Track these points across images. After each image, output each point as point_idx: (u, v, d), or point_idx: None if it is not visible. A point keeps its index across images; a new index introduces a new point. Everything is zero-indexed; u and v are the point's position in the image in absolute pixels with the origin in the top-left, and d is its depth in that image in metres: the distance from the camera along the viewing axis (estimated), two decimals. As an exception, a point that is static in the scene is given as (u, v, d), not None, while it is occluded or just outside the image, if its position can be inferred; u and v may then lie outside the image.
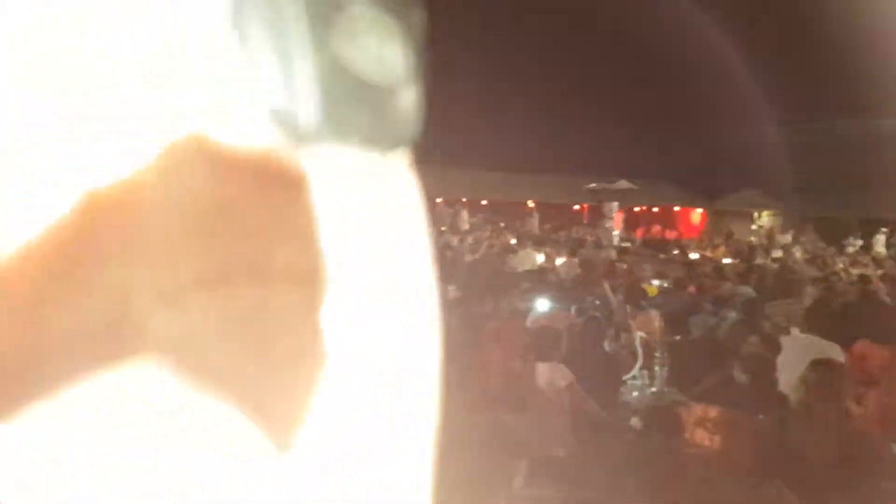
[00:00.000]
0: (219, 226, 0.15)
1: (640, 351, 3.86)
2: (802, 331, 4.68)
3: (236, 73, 0.15)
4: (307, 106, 0.15)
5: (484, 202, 23.46)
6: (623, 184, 13.38)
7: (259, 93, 0.15)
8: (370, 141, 0.16)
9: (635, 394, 3.57)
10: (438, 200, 22.61)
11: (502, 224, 17.61)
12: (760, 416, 2.95)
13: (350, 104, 0.16)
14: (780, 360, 4.01)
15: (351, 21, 0.15)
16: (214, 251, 0.15)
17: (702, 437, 2.93)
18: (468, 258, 10.45)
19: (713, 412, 3.01)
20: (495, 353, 4.17)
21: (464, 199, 22.15)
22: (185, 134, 0.15)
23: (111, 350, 0.15)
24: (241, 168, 0.15)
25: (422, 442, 0.17)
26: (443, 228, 15.89)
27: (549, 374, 3.15)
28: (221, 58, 0.15)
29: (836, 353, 3.98)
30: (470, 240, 12.88)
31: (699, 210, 25.98)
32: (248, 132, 0.16)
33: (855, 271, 10.29)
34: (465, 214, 17.71)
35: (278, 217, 0.16)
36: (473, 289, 7.54)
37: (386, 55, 0.16)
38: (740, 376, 3.48)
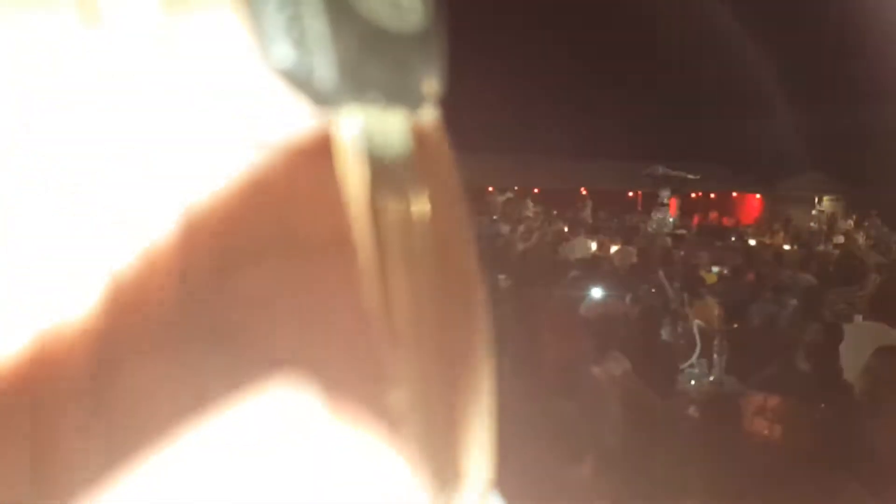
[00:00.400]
0: (262, 199, 0.16)
1: (697, 339, 3.85)
2: (866, 318, 4.55)
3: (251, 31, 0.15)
4: (322, 63, 0.14)
5: (536, 190, 23.33)
6: (678, 171, 13.07)
7: (272, 55, 0.14)
8: (394, 97, 0.15)
9: (693, 382, 3.57)
10: (490, 189, 22.65)
11: (555, 212, 17.47)
12: (822, 406, 2.92)
13: (369, 58, 0.15)
14: (844, 347, 3.94)
15: None
16: (263, 222, 0.16)
17: (762, 426, 2.93)
18: (520, 246, 10.49)
19: (773, 401, 3.00)
20: (550, 341, 4.23)
21: (516, 188, 22.12)
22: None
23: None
24: (277, 142, 0.16)
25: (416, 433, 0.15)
26: (494, 217, 15.93)
27: (604, 363, 3.18)
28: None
29: (901, 340, 3.89)
30: (522, 228, 12.89)
31: (757, 196, 25.14)
32: (273, 101, 0.16)
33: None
34: (529, 203, 17.57)
35: (318, 186, 0.16)
36: (526, 278, 7.60)
37: (402, 3, 0.15)
38: (802, 365, 3.44)
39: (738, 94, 28.66)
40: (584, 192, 23.22)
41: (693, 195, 24.31)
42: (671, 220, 13.28)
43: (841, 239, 13.14)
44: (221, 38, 0.16)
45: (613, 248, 10.14)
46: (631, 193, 25.40)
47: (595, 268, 7.42)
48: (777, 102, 26.41)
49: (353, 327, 0.16)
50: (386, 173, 0.15)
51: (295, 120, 0.16)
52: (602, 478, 3.01)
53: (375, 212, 0.14)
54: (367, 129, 0.15)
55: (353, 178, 0.14)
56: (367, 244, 0.14)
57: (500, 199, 18.98)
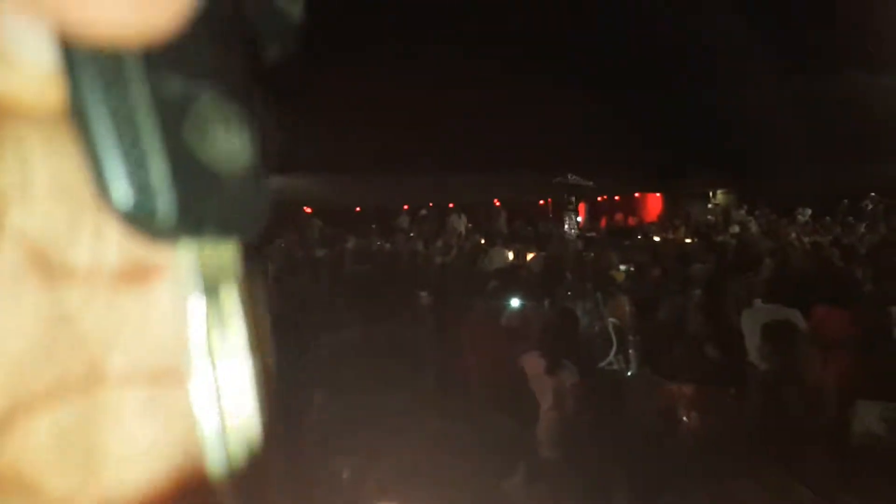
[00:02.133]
0: (55, 335, 0.15)
1: (613, 337, 3.98)
2: (764, 301, 4.83)
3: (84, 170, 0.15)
4: (163, 204, 0.14)
5: (451, 205, 23.67)
6: (580, 178, 13.65)
7: (113, 195, 0.14)
8: (226, 232, 0.16)
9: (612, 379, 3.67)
10: (405, 207, 22.74)
11: (470, 225, 17.72)
12: (732, 390, 3.09)
13: (205, 198, 0.15)
14: (745, 331, 4.18)
15: (199, 113, 0.15)
16: (51, 362, 0.15)
17: (679, 414, 3.06)
18: (438, 261, 10.56)
19: (687, 390, 3.13)
20: (475, 355, 4.25)
21: (430, 204, 22.32)
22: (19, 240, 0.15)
23: None
24: (81, 274, 0.15)
25: None
26: (412, 234, 15.97)
27: (557, 373, 3.12)
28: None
29: (796, 318, 4.17)
30: (440, 243, 12.98)
31: (657, 194, 26.67)
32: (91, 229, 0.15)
33: (807, 239, 10.74)
34: (458, 217, 17.70)
35: (119, 318, 0.15)
36: (446, 292, 7.63)
37: (233, 145, 0.16)
38: (712, 352, 3.62)
39: (632, 102, 30.51)
40: (497, 204, 23.83)
41: (599, 199, 25.49)
42: (578, 224, 13.81)
43: (736, 229, 14.11)
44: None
45: (530, 256, 10.42)
46: (542, 202, 26.26)
47: (513, 276, 7.57)
48: (669, 108, 28.21)
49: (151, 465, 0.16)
50: (216, 302, 0.16)
51: (121, 251, 0.16)
52: (540, 484, 3.03)
53: (206, 340, 0.15)
54: (200, 261, 0.15)
55: (183, 308, 0.15)
56: (194, 370, 0.15)
57: (418, 215, 19.12)
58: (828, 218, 15.58)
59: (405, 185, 24.91)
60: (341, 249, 13.16)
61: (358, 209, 24.25)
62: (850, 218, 15.49)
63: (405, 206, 22.75)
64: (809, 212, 17.62)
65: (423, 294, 7.77)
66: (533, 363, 3.18)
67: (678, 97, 27.66)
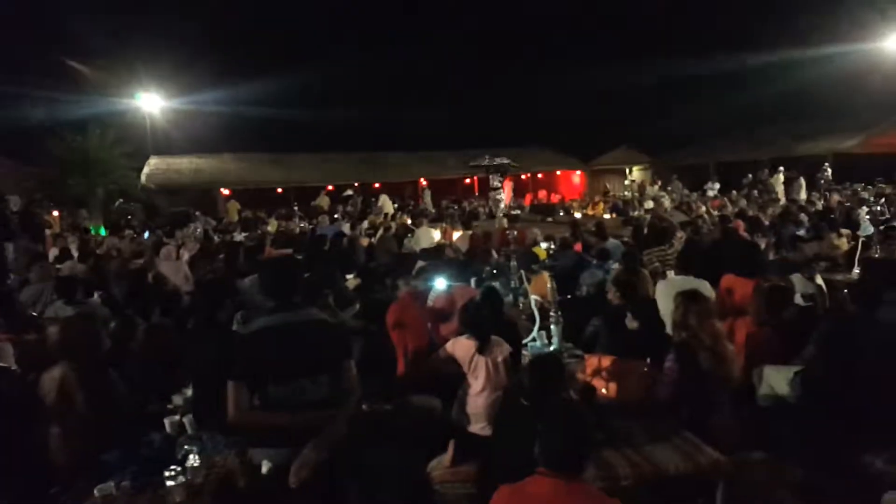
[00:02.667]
0: None
1: (536, 314, 4.04)
2: (677, 273, 5.02)
3: None
4: None
5: (377, 185, 23.32)
6: (504, 157, 13.81)
7: None
8: None
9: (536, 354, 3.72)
10: (329, 188, 22.25)
11: (396, 205, 17.57)
12: (648, 360, 3.19)
13: None
14: (659, 302, 4.35)
15: None
16: None
17: (599, 384, 3.14)
18: (364, 242, 10.40)
19: (606, 361, 3.22)
20: (402, 337, 4.21)
21: (356, 184, 21.93)
22: None
23: None
24: None
25: None
26: (336, 216, 15.65)
27: (489, 350, 3.10)
28: None
29: (705, 289, 4.37)
30: (365, 224, 12.80)
31: (578, 172, 27.45)
32: None
33: (716, 213, 11.35)
34: (384, 198, 17.39)
35: None
36: (373, 275, 7.53)
37: None
38: (630, 323, 3.72)
39: (552, 81, 31.27)
40: (423, 183, 23.74)
41: (524, 177, 25.93)
42: (503, 200, 13.95)
43: (650, 204, 14.69)
44: None
45: (456, 235, 10.46)
46: (468, 180, 26.42)
47: (439, 255, 7.56)
48: (587, 85, 29.00)
49: None
50: None
51: None
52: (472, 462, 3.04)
53: None
54: None
55: None
56: None
57: (343, 195, 18.68)
58: (734, 192, 16.48)
59: (329, 164, 24.36)
60: (262, 233, 12.76)
61: (280, 190, 23.55)
62: (755, 191, 16.43)
63: (330, 187, 22.29)
64: (718, 186, 18.63)
65: (350, 277, 7.65)
66: (463, 345, 3.17)
67: (594, 76, 28.56)
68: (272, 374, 2.33)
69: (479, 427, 3.06)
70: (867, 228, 7.87)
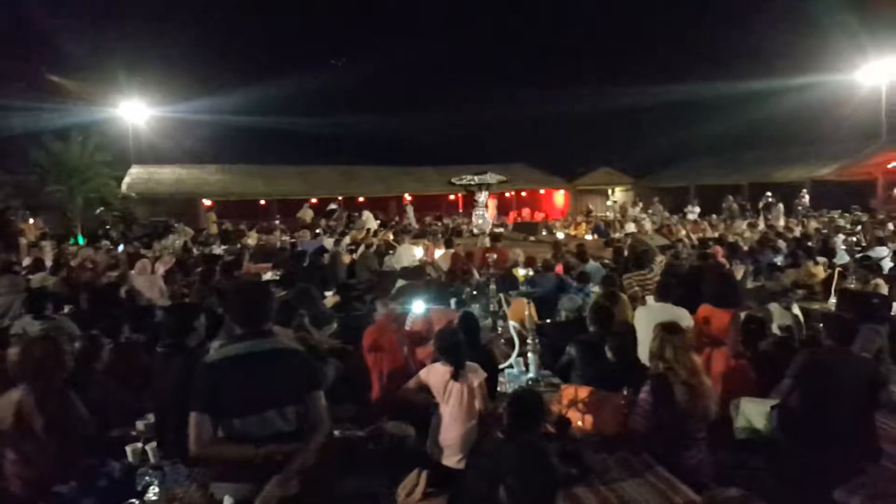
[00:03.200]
0: None
1: (516, 340, 3.99)
2: (656, 299, 5.00)
3: None
4: None
5: (361, 199, 23.22)
6: (489, 175, 13.76)
7: None
8: None
9: (512, 383, 3.67)
10: (313, 200, 22.11)
11: (378, 220, 17.46)
12: (625, 391, 3.15)
13: None
14: (638, 330, 4.32)
15: None
16: None
17: (575, 417, 3.09)
18: (346, 259, 10.28)
19: (583, 392, 3.17)
20: (381, 359, 4.14)
21: (339, 198, 21.81)
22: None
23: None
24: None
25: None
26: (318, 231, 15.53)
27: (464, 375, 3.05)
28: None
29: (684, 317, 4.36)
30: (347, 240, 12.65)
31: (561, 191, 27.65)
32: None
33: (695, 236, 11.46)
34: (366, 213, 17.22)
35: None
36: (353, 292, 7.44)
37: None
38: (607, 353, 3.68)
39: (542, 102, 31.77)
40: (407, 199, 23.68)
41: (508, 195, 26.03)
42: (489, 218, 13.94)
43: (632, 226, 14.79)
44: None
45: (438, 253, 10.39)
46: (452, 197, 26.46)
47: (420, 275, 7.49)
48: (571, 108, 29.47)
49: None
50: None
51: None
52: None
53: None
54: None
55: None
56: None
57: (326, 209, 18.54)
58: (714, 215, 16.66)
59: (313, 176, 24.24)
60: (241, 246, 12.59)
61: (263, 202, 23.35)
62: (733, 214, 16.63)
63: (313, 200, 22.13)
64: (698, 210, 18.83)
65: (330, 294, 7.54)
66: (437, 371, 3.11)
67: (580, 97, 29.00)
68: (237, 406, 2.24)
69: (453, 460, 2.99)
70: (843, 257, 7.97)
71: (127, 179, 19.98)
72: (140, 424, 3.05)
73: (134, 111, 23.10)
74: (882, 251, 7.85)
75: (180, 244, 12.74)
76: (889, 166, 17.35)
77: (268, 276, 8.61)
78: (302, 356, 2.41)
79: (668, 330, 3.21)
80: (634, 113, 31.06)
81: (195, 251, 11.68)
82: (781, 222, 15.09)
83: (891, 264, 7.17)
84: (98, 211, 17.61)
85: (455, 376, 3.06)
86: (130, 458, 2.75)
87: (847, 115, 21.52)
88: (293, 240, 13.63)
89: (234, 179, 23.14)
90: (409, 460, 3.27)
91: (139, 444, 2.82)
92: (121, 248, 12.21)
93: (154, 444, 2.78)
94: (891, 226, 12.06)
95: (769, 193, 17.53)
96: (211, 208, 20.67)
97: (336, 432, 3.48)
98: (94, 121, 20.22)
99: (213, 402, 2.23)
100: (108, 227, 16.78)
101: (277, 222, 18.71)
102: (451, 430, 3.01)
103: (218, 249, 11.80)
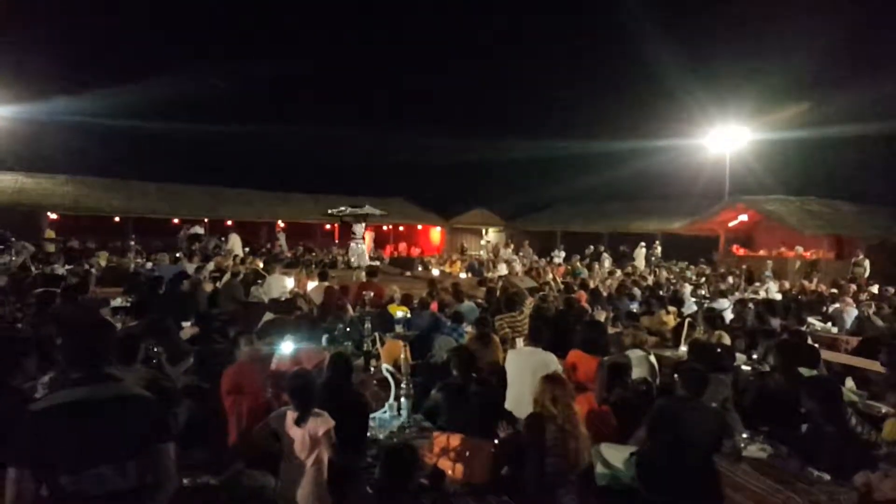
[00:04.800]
0: None
1: (392, 384, 3.86)
2: (526, 343, 5.12)
3: None
4: None
5: (229, 222, 21.96)
6: (368, 208, 13.60)
7: None
8: None
9: (384, 429, 3.53)
10: (176, 221, 20.59)
11: (246, 248, 16.57)
12: (495, 440, 3.13)
13: None
14: (509, 374, 4.39)
15: None
16: None
17: (447, 466, 3.02)
18: (208, 288, 9.53)
19: (454, 440, 3.11)
20: (241, 401, 3.80)
21: (206, 220, 20.49)
22: None
23: None
24: None
25: None
26: (178, 255, 14.41)
27: (307, 423, 2.86)
28: None
29: (552, 362, 4.49)
30: (210, 266, 11.81)
31: (437, 228, 28.18)
32: None
33: (561, 280, 12.07)
34: (234, 237, 16.02)
35: None
36: (214, 325, 6.87)
37: None
38: (476, 399, 3.65)
39: (421, 141, 32.59)
40: (280, 226, 22.81)
41: (385, 228, 26.02)
42: (365, 252, 13.76)
43: (504, 268, 15.30)
44: None
45: (311, 285, 9.94)
46: (328, 226, 25.94)
47: (290, 309, 7.14)
48: (449, 150, 30.49)
49: None
50: None
51: None
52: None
53: None
54: None
55: None
56: None
57: (186, 233, 17.22)
58: (577, 260, 17.71)
59: (177, 196, 22.65)
60: (89, 267, 11.35)
61: (117, 219, 21.36)
62: (595, 261, 17.79)
63: (176, 221, 20.61)
64: (563, 254, 19.98)
65: (188, 325, 6.90)
66: (282, 415, 2.91)
67: (459, 140, 30.15)
68: (66, 460, 1.93)
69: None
70: (691, 306, 8.71)
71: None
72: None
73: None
74: (724, 303, 8.67)
75: (17, 262, 11.24)
76: (730, 224, 19.50)
77: (117, 301, 7.79)
78: (148, 404, 2.13)
79: (552, 381, 3.29)
80: (510, 161, 33.10)
81: (34, 270, 10.36)
82: (642, 263, 16.47)
83: (731, 316, 7.93)
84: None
85: (298, 421, 2.88)
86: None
87: (697, 175, 24.16)
88: (153, 261, 12.55)
89: (87, 192, 21.05)
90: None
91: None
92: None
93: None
94: (730, 279, 13.46)
95: (623, 246, 19.16)
96: (53, 223, 18.58)
97: (186, 481, 3.16)
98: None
99: (35, 456, 1.90)
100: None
101: (133, 243, 17.16)
102: (298, 483, 2.80)
103: (61, 270, 10.53)
